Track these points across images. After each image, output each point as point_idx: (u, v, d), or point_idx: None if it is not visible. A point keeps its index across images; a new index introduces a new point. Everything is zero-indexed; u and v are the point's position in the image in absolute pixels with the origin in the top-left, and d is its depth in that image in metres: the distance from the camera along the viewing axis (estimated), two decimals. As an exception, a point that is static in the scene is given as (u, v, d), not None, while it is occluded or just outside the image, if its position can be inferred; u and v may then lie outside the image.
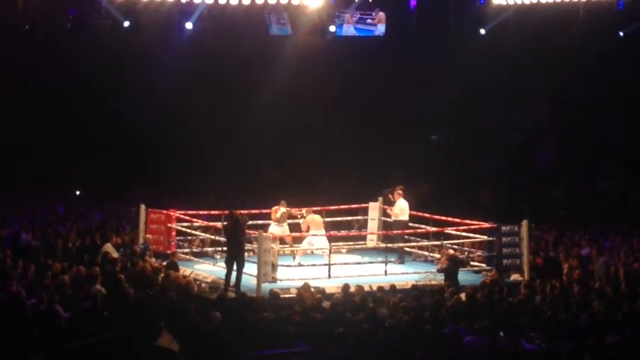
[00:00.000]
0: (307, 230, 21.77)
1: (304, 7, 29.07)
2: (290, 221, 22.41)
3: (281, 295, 18.05)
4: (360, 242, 23.78)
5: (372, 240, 23.78)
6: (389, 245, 22.15)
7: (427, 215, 22.52)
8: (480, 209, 28.31)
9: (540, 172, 33.98)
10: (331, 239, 21.70)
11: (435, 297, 17.33)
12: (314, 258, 21.75)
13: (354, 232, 24.08)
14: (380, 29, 30.27)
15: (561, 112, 34.28)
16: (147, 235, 22.05)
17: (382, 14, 30.35)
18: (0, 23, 28.31)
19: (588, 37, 30.28)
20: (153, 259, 20.91)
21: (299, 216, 22.26)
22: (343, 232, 23.62)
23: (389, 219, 23.18)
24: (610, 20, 30.43)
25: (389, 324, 15.07)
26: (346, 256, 22.88)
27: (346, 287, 18.11)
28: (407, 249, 22.73)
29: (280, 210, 22.04)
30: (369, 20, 30.25)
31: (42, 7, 28.19)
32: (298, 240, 22.17)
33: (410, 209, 22.79)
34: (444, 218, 22.39)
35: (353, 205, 24.22)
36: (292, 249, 21.89)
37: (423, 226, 22.33)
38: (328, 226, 23.13)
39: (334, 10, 29.84)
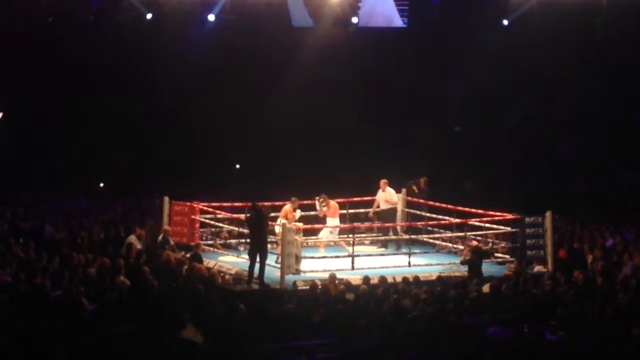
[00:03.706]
0: (333, 215, 21.75)
1: (326, -2, 29.10)
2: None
3: (304, 287, 18.07)
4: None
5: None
6: (415, 236, 22.19)
7: (450, 206, 22.50)
8: (503, 200, 28.23)
9: (563, 164, 33.82)
10: (354, 231, 21.66)
11: (459, 288, 17.30)
12: (337, 250, 21.76)
13: (377, 224, 24.05)
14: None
15: (584, 104, 34.06)
16: (166, 227, 21.99)
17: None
18: (23, 16, 28.41)
19: (611, 28, 30.11)
20: (174, 251, 20.92)
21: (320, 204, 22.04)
22: (366, 224, 23.60)
23: (378, 208, 23.49)
24: (635, 11, 30.25)
25: (413, 316, 15.06)
26: (369, 247, 22.86)
27: (366, 279, 18.09)
28: (430, 240, 22.76)
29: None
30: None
31: (65, 0, 28.29)
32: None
33: (437, 200, 22.91)
34: (467, 209, 22.36)
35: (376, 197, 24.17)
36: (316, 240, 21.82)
37: (447, 217, 22.31)
38: (350, 218, 23.18)
39: (356, 1, 29.82)
